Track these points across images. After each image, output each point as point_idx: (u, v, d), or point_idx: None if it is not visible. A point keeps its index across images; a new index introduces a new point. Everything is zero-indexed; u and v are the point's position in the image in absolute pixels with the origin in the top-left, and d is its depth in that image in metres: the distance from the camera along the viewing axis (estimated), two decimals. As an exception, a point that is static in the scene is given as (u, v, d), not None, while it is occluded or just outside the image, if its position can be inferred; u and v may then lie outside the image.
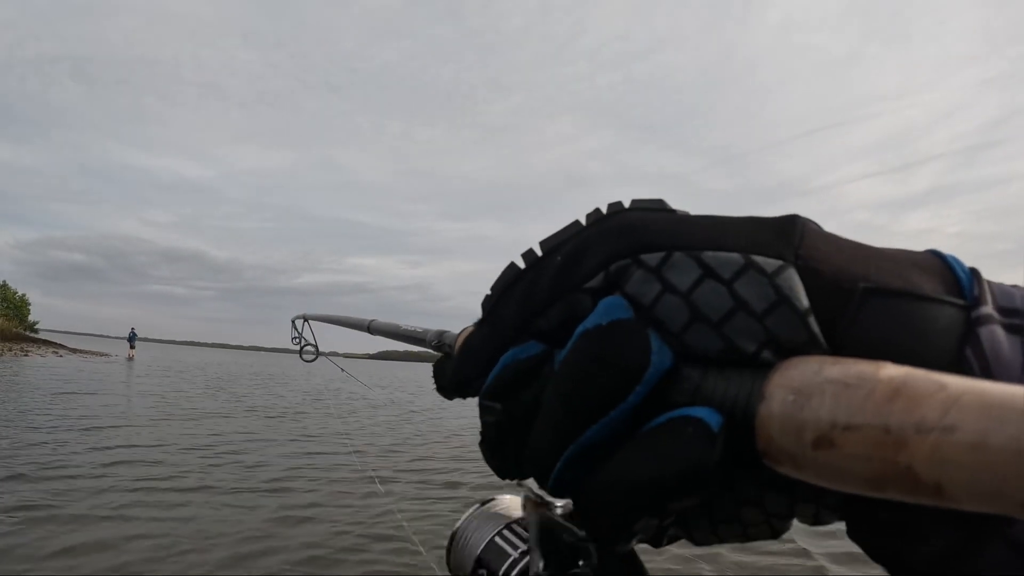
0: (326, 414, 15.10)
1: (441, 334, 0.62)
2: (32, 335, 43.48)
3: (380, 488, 7.11)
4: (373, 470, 8.29)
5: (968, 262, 0.27)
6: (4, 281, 44.91)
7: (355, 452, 9.79)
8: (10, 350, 31.96)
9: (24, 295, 46.58)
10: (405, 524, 5.38)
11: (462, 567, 0.37)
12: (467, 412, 14.88)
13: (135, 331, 43.09)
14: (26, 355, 31.41)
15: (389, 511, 6.11)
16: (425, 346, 0.67)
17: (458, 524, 0.39)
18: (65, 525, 5.15)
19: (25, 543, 4.70)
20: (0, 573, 4.21)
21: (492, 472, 0.33)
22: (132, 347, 42.42)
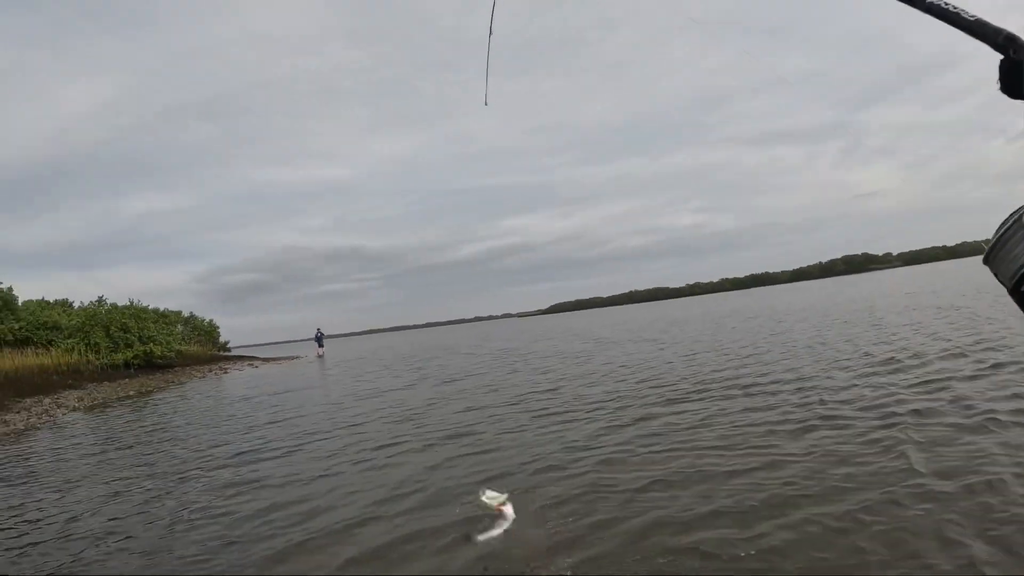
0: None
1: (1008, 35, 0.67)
2: (227, 354, 47.19)
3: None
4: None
5: None
6: (191, 312, 47.78)
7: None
8: (211, 370, 33.78)
9: (211, 320, 49.92)
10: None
11: (1005, 271, 0.33)
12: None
13: (321, 331, 46.54)
14: (226, 372, 33.37)
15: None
16: (986, 41, 0.75)
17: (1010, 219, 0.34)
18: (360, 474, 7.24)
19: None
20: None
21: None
22: (320, 346, 45.44)
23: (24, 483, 8.75)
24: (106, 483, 8.19)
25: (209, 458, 9.22)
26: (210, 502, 6.63)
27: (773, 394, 9.17)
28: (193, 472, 8.33)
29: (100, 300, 34.56)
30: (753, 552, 3.95)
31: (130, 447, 11.13)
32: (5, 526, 6.54)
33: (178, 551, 5.18)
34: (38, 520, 6.65)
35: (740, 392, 9.61)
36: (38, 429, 15.17)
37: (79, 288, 70.32)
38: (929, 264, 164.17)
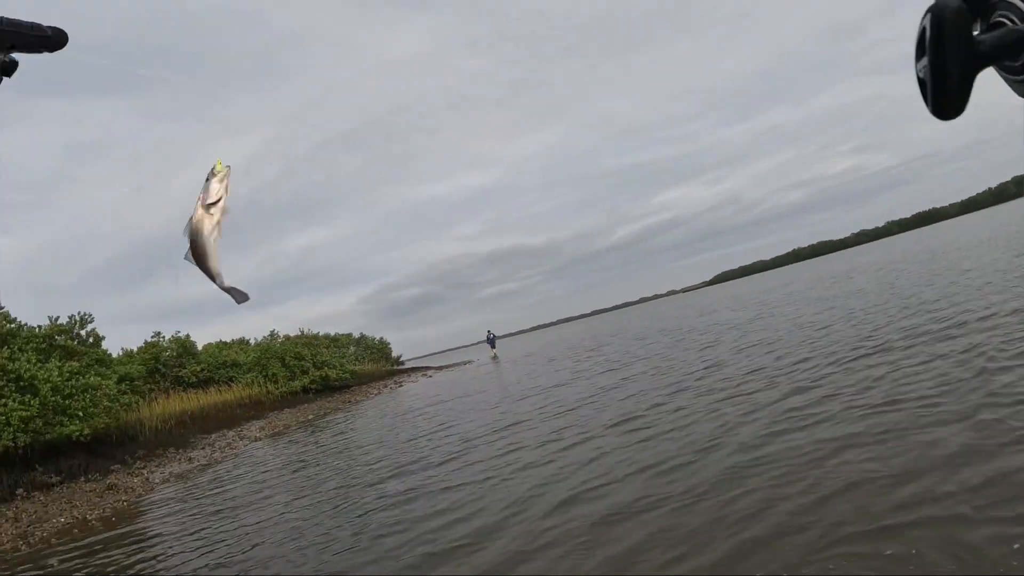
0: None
1: None
2: (400, 367, 46.67)
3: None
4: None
5: None
6: (361, 333, 47.75)
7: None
8: (386, 386, 33.22)
9: (382, 338, 50.15)
10: None
11: None
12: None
13: (492, 332, 45.38)
14: (400, 385, 32.64)
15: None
16: None
17: None
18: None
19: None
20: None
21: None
22: (493, 347, 44.51)
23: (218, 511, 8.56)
24: (285, 504, 8.05)
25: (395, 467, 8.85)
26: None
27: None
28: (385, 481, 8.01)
29: (272, 333, 34.73)
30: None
31: (316, 465, 10.64)
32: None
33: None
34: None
35: None
36: (219, 463, 13.86)
37: (256, 326, 74.13)
38: None
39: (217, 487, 10.52)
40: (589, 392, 11.72)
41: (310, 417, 21.82)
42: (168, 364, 29.86)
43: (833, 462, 4.73)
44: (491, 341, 44.46)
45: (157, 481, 12.65)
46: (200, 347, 34.21)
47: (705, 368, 11.10)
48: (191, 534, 7.48)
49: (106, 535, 8.49)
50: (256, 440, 17.64)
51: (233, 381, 29.78)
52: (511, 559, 4.47)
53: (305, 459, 11.75)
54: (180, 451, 16.83)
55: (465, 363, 40.77)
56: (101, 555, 7.40)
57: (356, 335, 46.02)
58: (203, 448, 17.19)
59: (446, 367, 38.95)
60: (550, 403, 11.61)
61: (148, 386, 26.17)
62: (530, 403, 12.38)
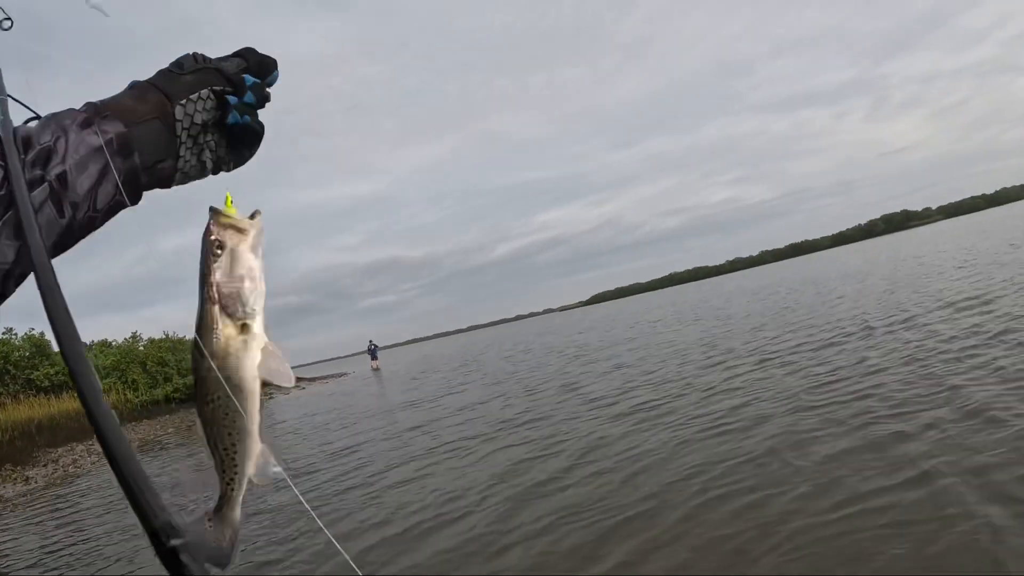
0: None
1: None
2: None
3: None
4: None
5: None
6: None
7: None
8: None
9: None
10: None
11: None
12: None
13: (374, 343, 44.82)
14: (271, 397, 30.66)
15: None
16: None
17: None
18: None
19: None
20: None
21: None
22: (374, 358, 43.67)
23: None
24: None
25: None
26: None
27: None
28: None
29: (134, 336, 32.92)
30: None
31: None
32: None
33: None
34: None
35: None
36: (57, 485, 13.07)
37: (122, 328, 69.75)
38: (970, 215, 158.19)
39: (42, 520, 9.94)
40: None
41: (170, 431, 20.89)
42: (19, 365, 27.79)
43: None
44: (372, 352, 44.08)
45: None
46: (58, 348, 32.15)
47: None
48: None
49: None
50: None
51: (89, 387, 27.96)
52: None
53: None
54: (17, 468, 15.77)
55: (340, 375, 40.06)
56: None
57: (228, 341, 44.34)
58: (46, 465, 16.13)
59: (319, 379, 37.97)
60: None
61: (-6, 389, 24.36)
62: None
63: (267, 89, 0.90)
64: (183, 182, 0.89)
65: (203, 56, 0.88)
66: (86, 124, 0.77)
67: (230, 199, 0.80)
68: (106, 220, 0.82)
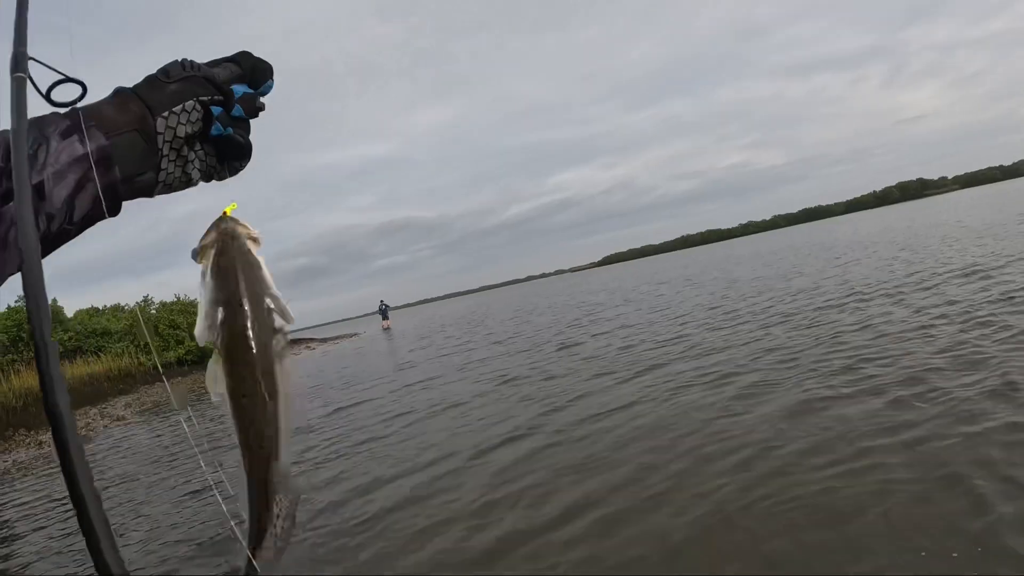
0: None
1: None
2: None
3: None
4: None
5: None
6: None
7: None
8: None
9: None
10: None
11: None
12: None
13: (385, 303, 45.01)
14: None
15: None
16: None
17: None
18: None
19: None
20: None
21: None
22: (385, 319, 44.15)
23: None
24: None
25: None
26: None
27: None
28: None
29: (146, 299, 33.08)
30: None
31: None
32: None
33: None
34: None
35: None
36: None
37: (135, 292, 70.22)
38: (988, 186, 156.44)
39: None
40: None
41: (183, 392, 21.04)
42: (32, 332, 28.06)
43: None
44: (383, 312, 44.38)
45: (-2, 472, 11.92)
46: (72, 314, 32.39)
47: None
48: None
49: None
50: (119, 420, 16.79)
51: (103, 351, 28.28)
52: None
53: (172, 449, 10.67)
54: (31, 433, 15.92)
55: (352, 335, 40.01)
56: None
57: (239, 302, 44.79)
58: (59, 429, 16.21)
59: (329, 340, 38.10)
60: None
61: (10, 357, 24.59)
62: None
63: (261, 99, 0.85)
64: (167, 192, 0.85)
65: (191, 63, 0.82)
66: (67, 133, 0.73)
67: (234, 207, 0.80)
68: (80, 231, 0.79)
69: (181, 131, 0.79)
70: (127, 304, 35.09)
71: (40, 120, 0.73)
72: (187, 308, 31.65)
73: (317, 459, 7.23)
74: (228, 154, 0.84)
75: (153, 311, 31.53)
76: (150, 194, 0.83)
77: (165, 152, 0.80)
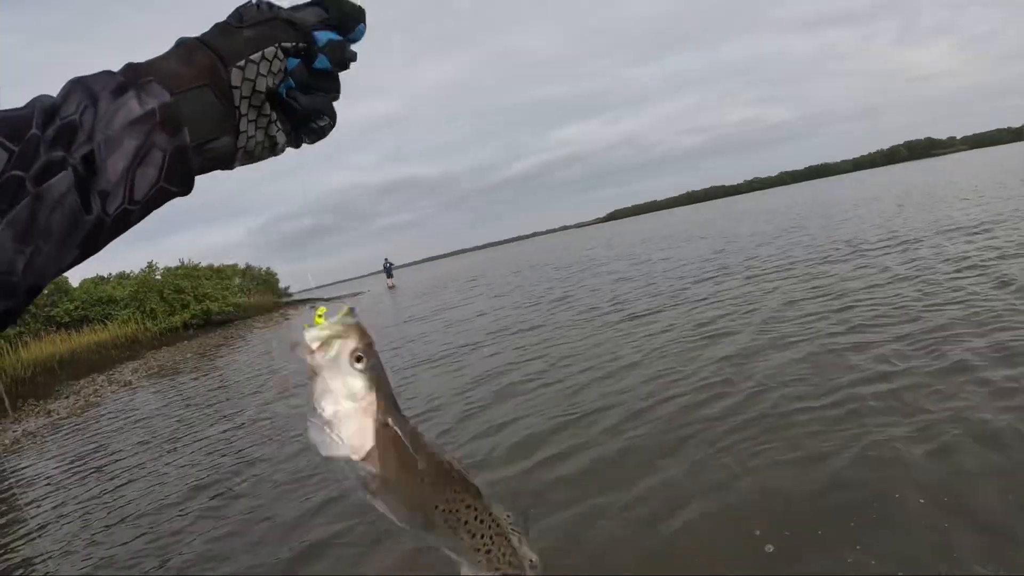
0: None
1: None
2: (287, 300, 45.87)
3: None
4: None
5: None
6: (247, 264, 47.29)
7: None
8: (273, 319, 32.40)
9: (268, 268, 49.47)
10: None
11: None
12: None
13: (390, 261, 44.50)
14: (287, 319, 31.51)
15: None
16: None
17: None
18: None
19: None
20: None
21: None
22: (389, 276, 43.97)
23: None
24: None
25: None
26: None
27: None
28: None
29: (150, 265, 33.24)
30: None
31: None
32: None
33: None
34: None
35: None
36: (77, 415, 13.34)
37: (139, 259, 70.39)
38: (996, 147, 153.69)
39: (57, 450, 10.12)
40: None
41: (188, 356, 21.20)
42: (39, 303, 28.23)
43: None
44: (388, 270, 44.46)
45: (7, 442, 12.12)
46: (76, 283, 32.60)
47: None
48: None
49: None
50: (126, 385, 16.99)
51: (109, 319, 28.57)
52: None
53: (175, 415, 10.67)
54: (40, 403, 16.16)
55: (357, 294, 40.39)
56: None
57: (241, 266, 45.22)
58: (68, 397, 16.48)
59: (336, 298, 38.50)
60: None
61: (18, 329, 24.81)
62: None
63: (351, 48, 0.72)
64: (248, 162, 0.73)
65: (269, 4, 0.69)
66: (121, 90, 0.59)
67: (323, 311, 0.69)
68: (145, 215, 0.64)
69: (262, 84, 0.67)
70: (131, 271, 35.30)
71: (84, 79, 0.60)
72: (191, 273, 31.90)
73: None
74: (297, 113, 0.72)
75: (158, 276, 31.75)
76: (229, 165, 0.71)
77: (244, 111, 0.67)
